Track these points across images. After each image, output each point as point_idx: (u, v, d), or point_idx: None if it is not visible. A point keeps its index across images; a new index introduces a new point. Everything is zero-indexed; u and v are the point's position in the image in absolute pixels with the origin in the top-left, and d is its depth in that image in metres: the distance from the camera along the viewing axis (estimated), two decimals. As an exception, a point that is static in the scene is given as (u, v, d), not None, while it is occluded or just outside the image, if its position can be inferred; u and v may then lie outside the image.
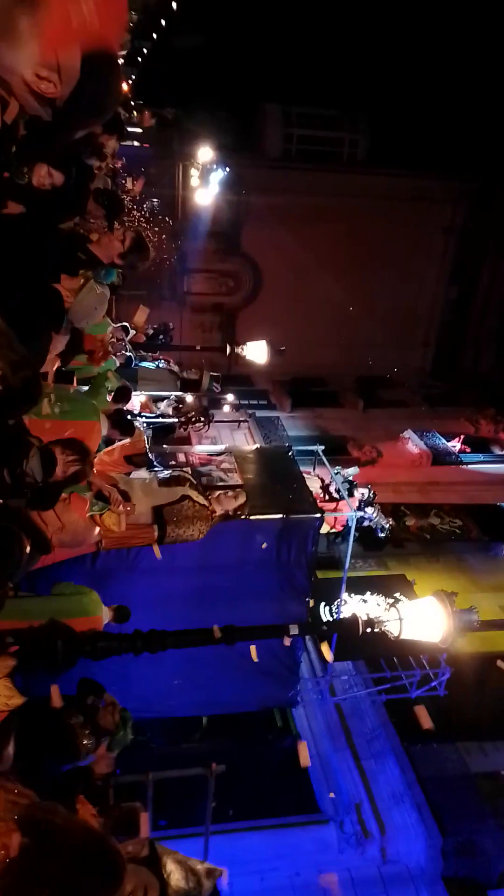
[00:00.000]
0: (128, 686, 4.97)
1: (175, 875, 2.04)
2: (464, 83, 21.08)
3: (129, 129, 15.23)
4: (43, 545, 3.85)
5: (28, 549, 2.93)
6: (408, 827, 7.52)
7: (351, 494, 9.44)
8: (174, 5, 16.26)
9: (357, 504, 9.45)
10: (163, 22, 17.47)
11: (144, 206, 17.90)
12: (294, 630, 4.84)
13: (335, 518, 8.83)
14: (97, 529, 4.43)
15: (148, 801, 4.62)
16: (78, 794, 3.47)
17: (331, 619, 7.99)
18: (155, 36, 17.61)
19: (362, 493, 10.10)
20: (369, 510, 9.93)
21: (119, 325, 8.33)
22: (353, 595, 8.26)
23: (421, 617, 4.47)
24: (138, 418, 7.36)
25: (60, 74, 1.48)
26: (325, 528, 8.25)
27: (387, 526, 10.41)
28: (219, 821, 6.77)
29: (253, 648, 5.85)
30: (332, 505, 8.84)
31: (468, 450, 17.56)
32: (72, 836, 1.80)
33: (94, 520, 4.01)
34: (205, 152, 17.19)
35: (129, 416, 5.98)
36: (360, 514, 9.09)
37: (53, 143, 3.72)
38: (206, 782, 4.84)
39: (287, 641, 4.51)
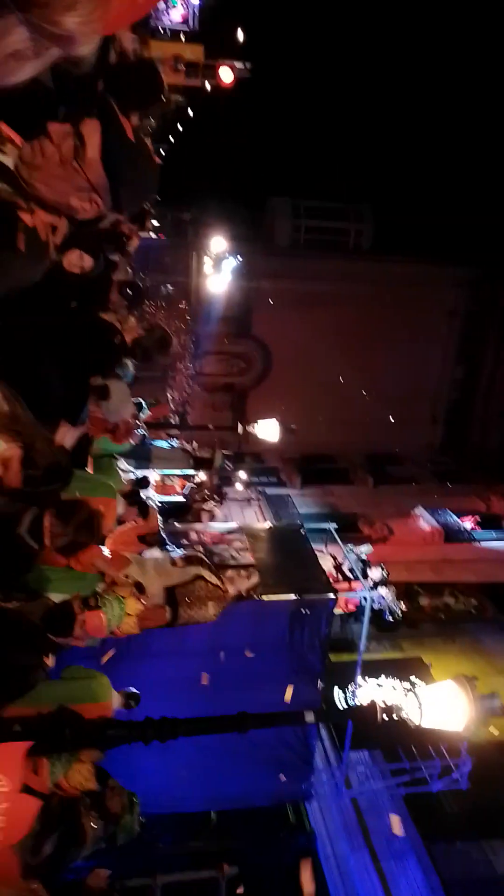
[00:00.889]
0: (134, 777, 4.77)
1: None
2: (463, 174, 22.33)
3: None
4: (57, 651, 3.81)
5: (50, 663, 2.90)
6: (433, 937, 6.98)
7: (365, 573, 9.31)
8: (190, 112, 17.51)
9: (371, 584, 9.30)
10: (179, 127, 18.77)
11: (160, 292, 18.66)
12: (310, 717, 4.68)
13: (346, 600, 8.67)
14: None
15: (156, 906, 4.34)
16: None
17: (346, 706, 7.71)
18: (172, 140, 18.87)
19: (379, 575, 9.94)
20: (383, 591, 9.76)
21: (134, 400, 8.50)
22: (367, 679, 8.02)
23: (441, 703, 4.32)
24: (151, 498, 7.41)
25: (98, 191, 1.66)
26: (336, 610, 8.09)
27: (398, 611, 10.19)
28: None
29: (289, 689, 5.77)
30: (346, 585, 8.71)
31: (478, 528, 17.39)
32: None
33: (113, 633, 3.96)
34: (218, 242, 18.07)
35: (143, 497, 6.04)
36: (374, 594, 8.93)
37: (85, 230, 3.95)
38: (217, 884, 4.55)
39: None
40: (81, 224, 4.13)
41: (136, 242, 5.11)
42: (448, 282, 22.58)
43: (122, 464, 7.15)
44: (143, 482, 5.90)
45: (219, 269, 18.05)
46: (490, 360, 23.45)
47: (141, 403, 8.69)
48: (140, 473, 6.58)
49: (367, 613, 7.99)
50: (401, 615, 10.40)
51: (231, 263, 17.87)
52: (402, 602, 10.51)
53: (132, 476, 6.20)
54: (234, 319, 21.41)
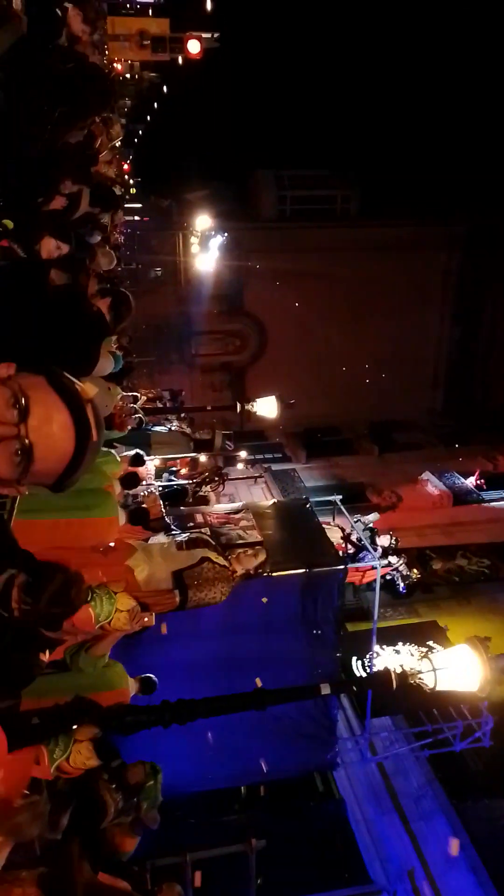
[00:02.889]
0: (159, 761, 4.83)
1: None
2: (449, 130, 21.89)
3: (128, 206, 15.88)
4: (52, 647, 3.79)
5: (46, 659, 2.85)
6: (465, 893, 7.06)
7: (373, 542, 9.30)
8: (165, 89, 17.17)
9: (381, 552, 9.29)
10: (155, 105, 18.42)
11: (149, 275, 18.51)
12: (326, 689, 4.70)
13: (362, 573, 8.67)
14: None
15: (188, 885, 4.40)
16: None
17: (364, 674, 7.75)
18: (149, 118, 18.56)
19: (388, 542, 9.92)
20: (394, 559, 9.75)
21: (129, 395, 8.47)
22: (385, 647, 8.05)
23: (456, 666, 4.33)
24: (152, 485, 7.40)
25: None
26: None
27: (411, 576, 10.17)
28: (265, 899, 6.42)
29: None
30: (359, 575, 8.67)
31: (484, 485, 17.35)
32: None
33: (103, 629, 3.92)
34: (203, 220, 17.87)
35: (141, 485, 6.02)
36: (385, 562, 8.92)
37: (54, 220, 3.86)
38: (246, 858, 4.61)
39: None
40: (54, 214, 4.04)
41: (108, 219, 5.00)
42: (440, 241, 22.30)
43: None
44: (132, 480, 5.85)
45: (206, 248, 17.86)
46: (488, 318, 23.26)
47: (136, 397, 8.66)
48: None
49: (378, 582, 7.99)
50: (408, 584, 10.36)
51: (218, 241, 17.67)
52: (414, 569, 10.50)
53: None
54: (225, 297, 21.25)
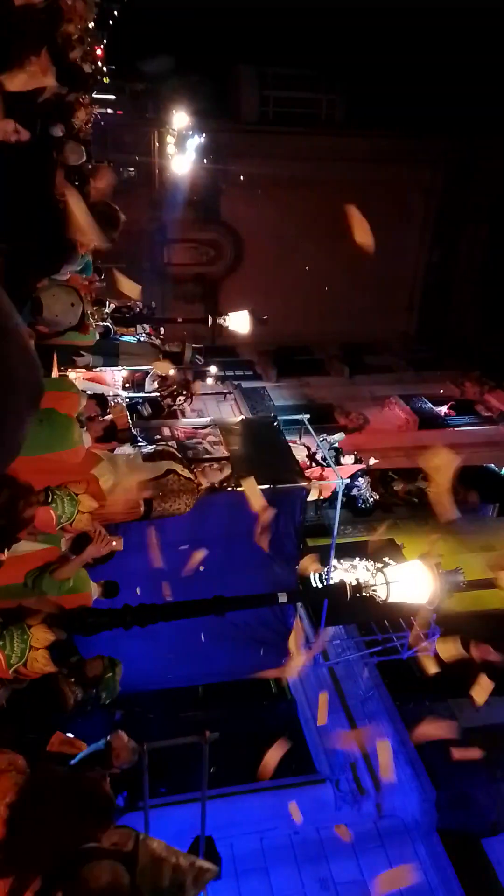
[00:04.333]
0: (121, 661, 5.03)
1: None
2: (442, 41, 20.60)
3: (101, 96, 14.83)
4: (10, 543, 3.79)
5: (4, 558, 2.86)
6: (402, 783, 7.73)
7: (338, 461, 9.47)
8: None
9: (349, 475, 9.48)
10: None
11: (122, 176, 17.52)
12: (283, 598, 4.89)
13: (321, 488, 8.85)
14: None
15: (144, 771, 4.70)
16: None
17: (320, 586, 8.07)
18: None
19: (352, 461, 10.12)
20: (360, 481, 9.97)
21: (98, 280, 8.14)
22: (342, 561, 8.36)
23: (408, 580, 4.53)
24: (120, 395, 7.30)
25: None
26: (313, 495, 8.28)
27: (371, 500, 10.46)
28: (218, 785, 6.92)
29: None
30: (318, 471, 8.86)
31: (453, 413, 17.65)
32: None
33: (64, 529, 3.92)
34: (180, 118, 16.80)
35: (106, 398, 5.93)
36: (347, 481, 9.11)
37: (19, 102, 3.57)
38: (199, 748, 4.94)
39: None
40: (18, 95, 3.73)
41: (83, 116, 4.66)
42: (424, 158, 21.49)
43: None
44: (101, 400, 5.74)
45: (182, 148, 16.90)
46: (467, 243, 22.82)
47: (102, 301, 8.37)
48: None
49: (340, 500, 8.20)
50: (372, 503, 10.68)
51: (195, 142, 16.71)
52: (374, 493, 10.79)
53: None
54: (201, 204, 20.32)
